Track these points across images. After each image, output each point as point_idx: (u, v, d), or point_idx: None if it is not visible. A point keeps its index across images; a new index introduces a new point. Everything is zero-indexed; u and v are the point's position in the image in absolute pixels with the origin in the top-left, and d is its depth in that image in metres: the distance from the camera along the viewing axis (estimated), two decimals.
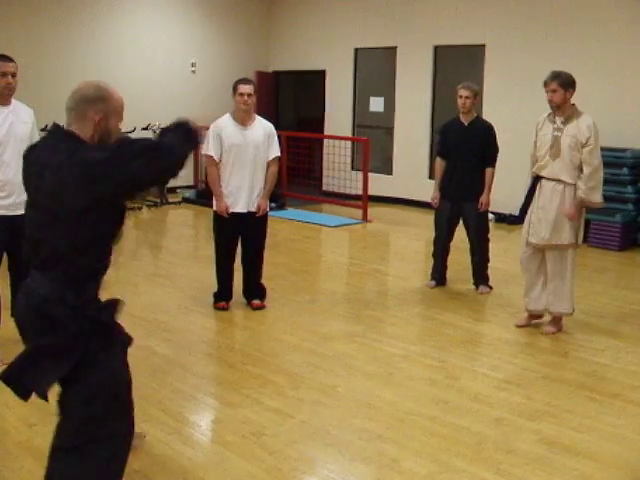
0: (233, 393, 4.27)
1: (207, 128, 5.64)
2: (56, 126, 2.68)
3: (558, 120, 5.24)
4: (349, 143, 12.28)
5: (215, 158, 5.66)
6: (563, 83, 5.14)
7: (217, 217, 5.79)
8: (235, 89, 5.64)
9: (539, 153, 5.34)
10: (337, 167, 12.19)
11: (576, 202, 5.22)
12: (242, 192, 5.69)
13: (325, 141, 12.58)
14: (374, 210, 10.72)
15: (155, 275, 7.09)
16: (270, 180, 5.82)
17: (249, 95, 5.60)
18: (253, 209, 5.75)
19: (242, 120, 5.68)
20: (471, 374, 4.64)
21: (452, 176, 6.50)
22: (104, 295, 2.76)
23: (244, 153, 5.60)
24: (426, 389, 4.39)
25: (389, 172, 12.08)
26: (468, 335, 5.45)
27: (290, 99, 14.80)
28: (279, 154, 5.87)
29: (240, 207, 5.71)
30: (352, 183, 11.66)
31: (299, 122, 14.70)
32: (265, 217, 5.87)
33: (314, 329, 5.49)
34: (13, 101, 4.58)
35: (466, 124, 6.44)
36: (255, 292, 5.99)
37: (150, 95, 11.87)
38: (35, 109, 4.81)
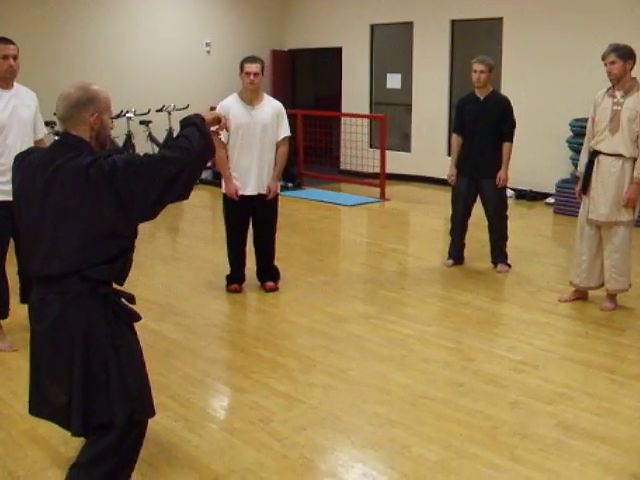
0: (243, 378, 4.20)
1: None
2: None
3: (618, 94, 5.08)
4: (366, 121, 12.10)
5: (222, 139, 5.45)
6: (622, 54, 5.00)
7: (227, 200, 5.67)
8: (242, 68, 5.49)
9: (598, 128, 5.18)
10: (355, 145, 12.03)
11: (633, 186, 5.06)
12: (251, 174, 5.56)
13: (342, 119, 12.41)
14: (392, 188, 10.58)
15: (171, 258, 7.04)
16: (280, 161, 5.69)
17: (255, 74, 5.44)
18: (263, 191, 5.62)
19: (250, 100, 5.54)
20: (487, 356, 4.53)
21: (469, 152, 6.36)
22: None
23: (252, 134, 5.44)
24: (440, 372, 4.29)
25: (407, 149, 11.92)
26: (485, 315, 5.33)
27: (307, 77, 14.65)
28: (289, 134, 5.73)
29: (250, 189, 5.59)
30: (370, 161, 11.49)
31: (316, 100, 14.55)
32: (276, 199, 5.75)
33: (328, 311, 5.40)
34: (15, 84, 4.50)
35: (482, 99, 6.28)
36: (268, 274, 5.90)
37: (164, 76, 11.74)
38: (42, 94, 4.74)
